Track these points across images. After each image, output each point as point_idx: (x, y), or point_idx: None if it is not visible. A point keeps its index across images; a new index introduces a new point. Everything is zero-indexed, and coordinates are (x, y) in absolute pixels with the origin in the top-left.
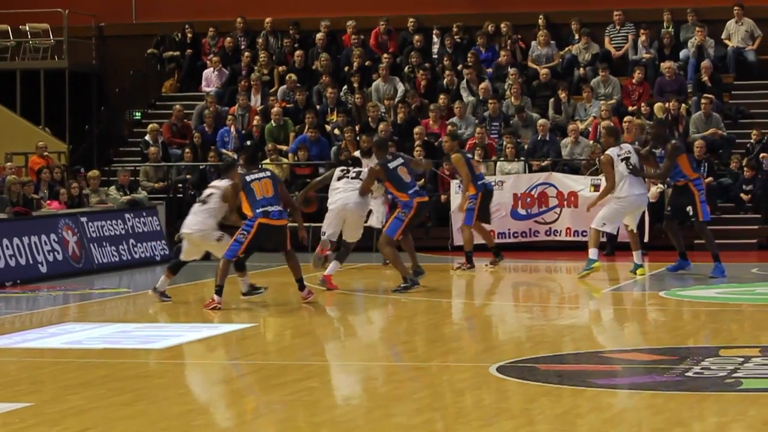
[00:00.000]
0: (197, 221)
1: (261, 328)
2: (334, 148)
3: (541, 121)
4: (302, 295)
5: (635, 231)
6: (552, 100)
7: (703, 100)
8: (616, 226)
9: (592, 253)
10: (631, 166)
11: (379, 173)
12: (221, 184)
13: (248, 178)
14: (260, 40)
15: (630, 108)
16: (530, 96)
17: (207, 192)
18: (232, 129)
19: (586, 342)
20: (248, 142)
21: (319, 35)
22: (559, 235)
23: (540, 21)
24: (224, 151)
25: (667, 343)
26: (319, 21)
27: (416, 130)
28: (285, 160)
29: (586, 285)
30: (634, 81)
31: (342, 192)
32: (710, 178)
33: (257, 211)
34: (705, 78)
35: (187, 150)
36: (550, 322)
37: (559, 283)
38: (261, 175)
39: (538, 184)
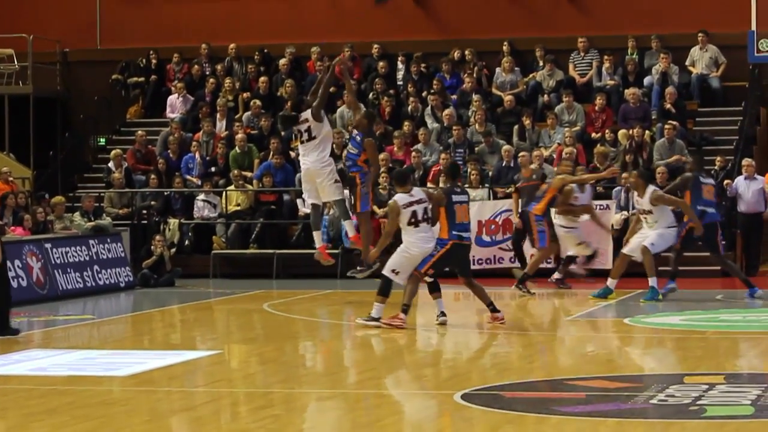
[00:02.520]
0: None
1: (225, 355)
2: (298, 175)
3: (506, 147)
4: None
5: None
6: (516, 126)
7: (666, 127)
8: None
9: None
10: None
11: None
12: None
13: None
14: (220, 66)
15: (594, 135)
16: (494, 123)
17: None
18: (197, 155)
19: (552, 369)
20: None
21: (283, 61)
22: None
23: (504, 48)
24: (188, 177)
25: (632, 370)
26: (283, 47)
27: (381, 156)
28: (250, 187)
29: (551, 312)
30: (597, 108)
31: (301, 157)
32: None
33: (453, 232)
34: (669, 105)
35: (152, 176)
36: (515, 349)
37: (523, 310)
38: (462, 198)
39: (503, 210)
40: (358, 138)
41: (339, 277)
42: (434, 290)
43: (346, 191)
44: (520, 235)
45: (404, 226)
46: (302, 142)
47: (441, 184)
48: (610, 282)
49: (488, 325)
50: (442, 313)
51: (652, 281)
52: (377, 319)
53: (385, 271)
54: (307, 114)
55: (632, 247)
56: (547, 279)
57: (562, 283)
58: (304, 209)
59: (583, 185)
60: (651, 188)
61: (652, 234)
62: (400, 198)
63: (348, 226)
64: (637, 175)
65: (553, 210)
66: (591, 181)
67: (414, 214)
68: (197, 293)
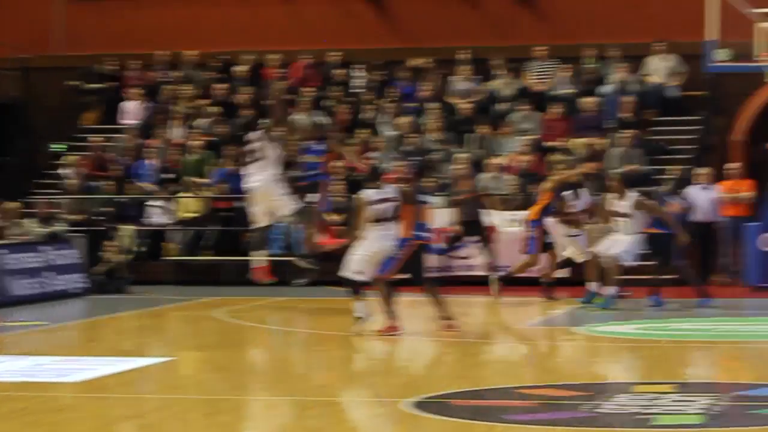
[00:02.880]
0: None
1: (177, 362)
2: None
3: (462, 155)
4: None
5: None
6: (473, 135)
7: (624, 136)
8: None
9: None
10: None
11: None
12: None
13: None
14: (178, 73)
15: (551, 144)
16: (451, 131)
17: None
18: (153, 162)
19: (501, 377)
20: None
21: (241, 68)
22: (477, 269)
23: (462, 56)
24: (143, 184)
25: (582, 378)
26: (242, 54)
27: (338, 164)
28: (205, 194)
29: (502, 320)
30: (553, 116)
31: (251, 176)
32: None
33: (416, 232)
34: (626, 114)
35: (107, 182)
36: (466, 357)
37: (475, 317)
38: (429, 199)
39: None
40: (316, 147)
41: (291, 285)
42: (357, 292)
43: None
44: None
45: (368, 222)
46: (253, 161)
47: None
48: (595, 286)
49: (442, 332)
50: (364, 317)
51: (611, 290)
52: (363, 318)
53: (349, 274)
54: (260, 134)
55: (604, 247)
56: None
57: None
58: None
59: (577, 192)
60: (633, 194)
61: (624, 241)
62: (369, 193)
63: (257, 258)
64: (620, 179)
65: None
66: (573, 177)
67: (379, 211)
68: (150, 300)
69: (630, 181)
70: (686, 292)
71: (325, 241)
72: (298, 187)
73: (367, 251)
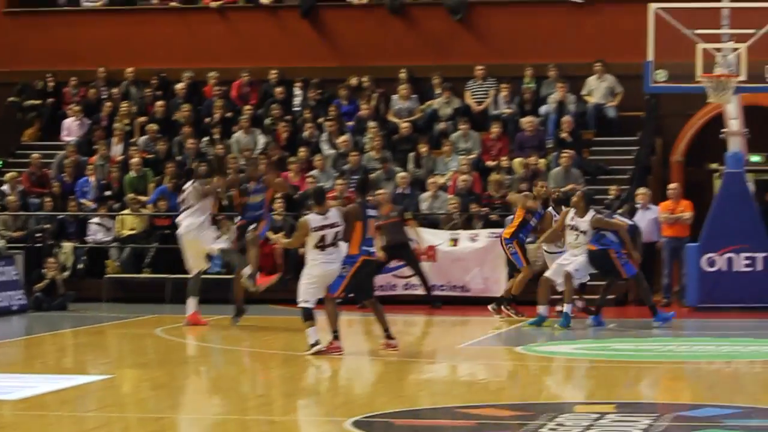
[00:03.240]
0: None
1: (117, 379)
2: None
3: (402, 174)
4: (389, 343)
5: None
6: (412, 154)
7: (562, 156)
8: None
9: (567, 308)
10: None
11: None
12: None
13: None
14: (117, 90)
15: (489, 163)
16: (391, 150)
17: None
18: (92, 179)
19: (443, 397)
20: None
21: (180, 86)
22: (417, 289)
23: (402, 75)
24: (83, 201)
25: (524, 398)
26: (181, 72)
27: (277, 181)
28: (145, 211)
29: (444, 339)
30: (493, 136)
31: (180, 222)
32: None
33: (363, 248)
34: (565, 133)
35: (47, 199)
36: (408, 377)
37: (416, 337)
38: (374, 213)
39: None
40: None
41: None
42: (309, 318)
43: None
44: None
45: (310, 247)
46: (185, 209)
47: None
48: (542, 309)
49: (382, 351)
50: (311, 345)
51: (567, 308)
52: (317, 344)
53: (299, 304)
54: (191, 183)
55: (554, 271)
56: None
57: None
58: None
59: (559, 209)
60: (592, 212)
61: (575, 260)
62: (312, 219)
63: (248, 271)
64: (581, 196)
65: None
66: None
67: (323, 238)
68: (90, 317)
69: (590, 199)
70: (627, 312)
71: (260, 281)
72: (241, 228)
73: (311, 279)
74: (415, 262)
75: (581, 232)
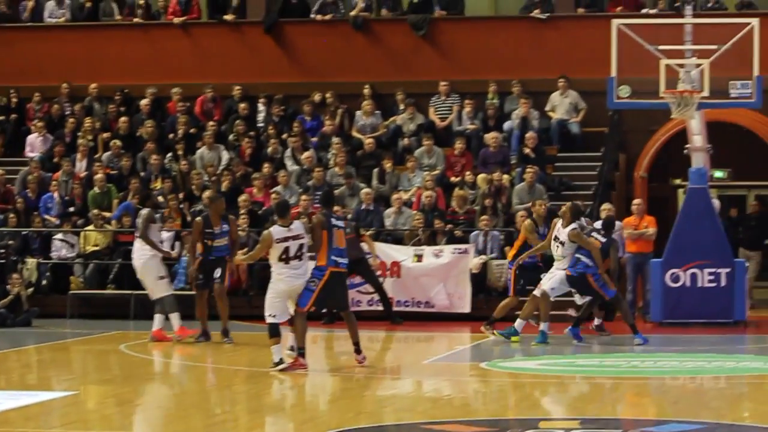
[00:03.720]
0: None
1: (81, 396)
2: (158, 215)
3: (366, 190)
4: (357, 359)
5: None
6: (376, 170)
7: (527, 172)
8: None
9: (544, 326)
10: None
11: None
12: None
13: (332, 221)
14: (80, 106)
15: (453, 179)
16: (355, 165)
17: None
18: (56, 195)
19: (408, 413)
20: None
21: (144, 102)
22: (378, 305)
23: (365, 91)
24: (47, 217)
25: (488, 414)
26: (144, 88)
27: (241, 198)
28: (109, 227)
29: (409, 355)
30: (457, 152)
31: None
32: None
33: (331, 258)
34: (529, 149)
35: (10, 215)
36: (372, 393)
37: (380, 352)
38: (339, 223)
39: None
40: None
41: (197, 319)
42: (274, 335)
43: None
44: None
45: (274, 260)
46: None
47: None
48: (543, 326)
49: (348, 367)
50: (275, 363)
51: (544, 326)
52: (280, 362)
53: (267, 319)
54: (144, 211)
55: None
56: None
57: (602, 329)
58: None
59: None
60: (574, 224)
61: (552, 278)
62: (275, 231)
63: (174, 319)
64: (570, 207)
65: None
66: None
67: (286, 250)
68: (54, 333)
69: (578, 212)
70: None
71: (180, 332)
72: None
73: (276, 294)
74: (372, 277)
75: (560, 242)
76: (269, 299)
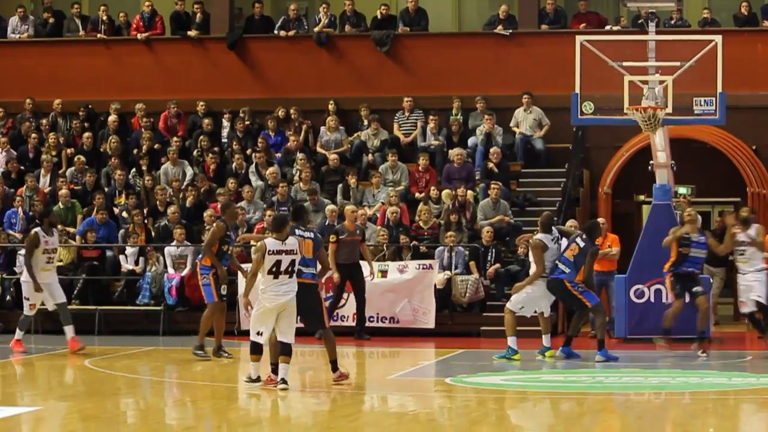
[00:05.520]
0: None
1: (45, 411)
2: (122, 231)
3: (330, 206)
4: (333, 377)
5: (546, 315)
6: (341, 185)
7: (492, 187)
8: (532, 309)
9: (512, 341)
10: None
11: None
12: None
13: (297, 232)
14: (45, 121)
15: (418, 194)
16: (319, 181)
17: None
18: (20, 210)
19: (373, 428)
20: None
21: (111, 118)
22: (346, 320)
23: (330, 106)
24: (11, 232)
25: (453, 430)
26: (109, 103)
27: (206, 213)
28: (73, 243)
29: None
30: (421, 167)
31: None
32: (497, 265)
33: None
34: (492, 165)
35: None
36: (338, 409)
37: (346, 368)
38: (307, 234)
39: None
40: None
41: (161, 334)
42: (255, 352)
43: None
44: (340, 289)
45: (264, 273)
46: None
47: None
48: (545, 340)
49: (314, 384)
50: (251, 379)
51: (511, 341)
52: (257, 380)
53: (252, 337)
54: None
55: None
56: None
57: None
58: (126, 265)
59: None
60: (539, 235)
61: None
62: (270, 242)
63: (68, 332)
64: (546, 216)
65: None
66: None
67: (278, 263)
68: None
69: (548, 225)
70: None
71: (72, 344)
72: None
73: (263, 309)
74: (362, 286)
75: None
76: (254, 315)
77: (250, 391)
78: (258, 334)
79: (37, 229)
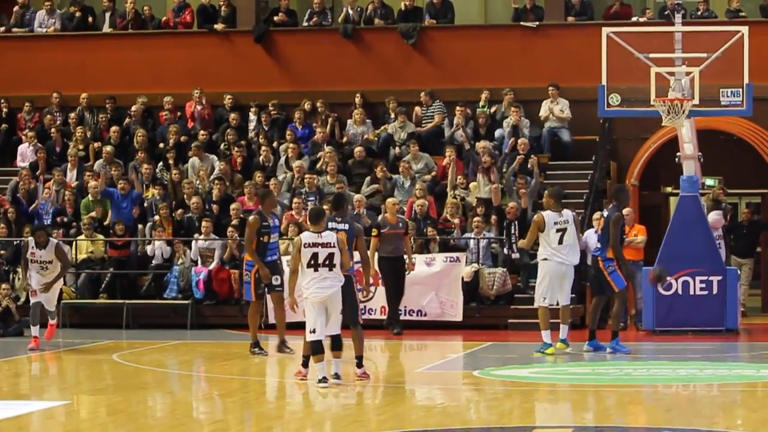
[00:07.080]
0: None
1: (74, 405)
2: (149, 224)
3: (357, 196)
4: (357, 373)
5: (563, 304)
6: (368, 177)
7: (518, 180)
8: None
9: (545, 335)
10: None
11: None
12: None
13: (331, 225)
14: (72, 115)
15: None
16: (346, 174)
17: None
18: (48, 204)
19: (399, 421)
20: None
21: (135, 110)
22: (374, 313)
23: (356, 99)
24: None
25: (481, 422)
26: (135, 96)
27: (232, 206)
28: (100, 236)
29: (401, 363)
30: (446, 160)
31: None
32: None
33: None
34: (521, 157)
35: (1, 225)
36: (366, 401)
37: (374, 361)
38: (341, 226)
39: (355, 262)
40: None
41: (189, 328)
42: (317, 352)
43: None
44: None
45: (303, 267)
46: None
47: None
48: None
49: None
50: (324, 379)
51: (545, 335)
52: (323, 380)
53: (307, 337)
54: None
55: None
56: None
57: None
58: (154, 261)
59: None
60: (546, 212)
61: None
62: (305, 236)
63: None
64: (554, 191)
65: None
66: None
67: (315, 256)
68: (46, 343)
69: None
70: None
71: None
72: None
73: (310, 307)
74: (403, 279)
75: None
76: (306, 314)
77: (276, 383)
78: (312, 332)
79: (30, 238)
